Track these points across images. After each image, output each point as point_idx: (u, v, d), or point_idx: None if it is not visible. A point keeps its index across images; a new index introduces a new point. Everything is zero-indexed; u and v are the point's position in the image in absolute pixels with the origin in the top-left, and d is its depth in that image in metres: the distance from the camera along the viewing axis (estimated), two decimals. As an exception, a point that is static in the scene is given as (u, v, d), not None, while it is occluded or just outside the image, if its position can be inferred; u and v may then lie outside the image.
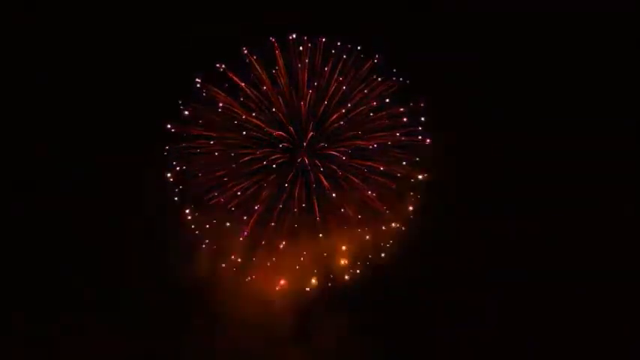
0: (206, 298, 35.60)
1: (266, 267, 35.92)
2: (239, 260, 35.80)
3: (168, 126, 35.97)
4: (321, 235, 35.77)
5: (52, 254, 35.58)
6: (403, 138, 36.85)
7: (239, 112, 36.36)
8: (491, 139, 37.09)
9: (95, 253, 35.82)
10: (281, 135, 36.40)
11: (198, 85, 36.31)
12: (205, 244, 35.90)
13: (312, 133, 36.49)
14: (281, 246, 35.56)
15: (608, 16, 36.61)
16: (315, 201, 36.26)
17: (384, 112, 36.84)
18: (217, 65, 36.24)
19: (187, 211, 35.86)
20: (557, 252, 37.05)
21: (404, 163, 36.80)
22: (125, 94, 36.68)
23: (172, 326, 35.36)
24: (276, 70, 36.37)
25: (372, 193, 36.48)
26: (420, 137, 37.00)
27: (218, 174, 35.93)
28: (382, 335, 35.98)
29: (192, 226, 35.85)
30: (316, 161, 36.53)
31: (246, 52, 36.45)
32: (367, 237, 36.38)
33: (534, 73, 37.75)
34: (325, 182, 36.37)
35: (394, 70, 36.94)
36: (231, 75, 36.29)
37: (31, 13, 36.28)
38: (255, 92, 36.45)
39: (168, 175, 35.85)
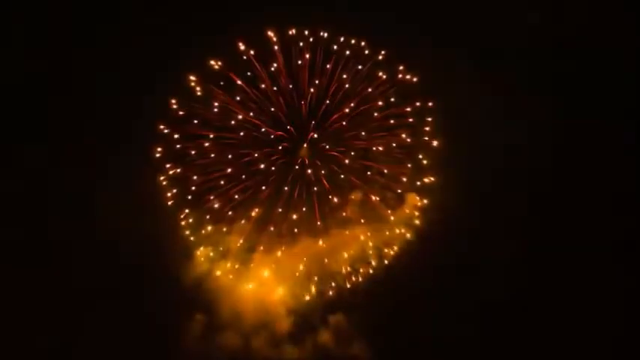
0: (201, 306, 35.16)
1: (265, 272, 35.13)
2: (236, 267, 35.08)
3: (162, 127, 34.56)
4: (321, 241, 34.62)
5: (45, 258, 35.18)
6: (409, 139, 35.17)
7: (237, 111, 34.73)
8: (500, 140, 35.26)
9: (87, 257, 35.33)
10: (280, 135, 34.84)
11: (192, 84, 34.53)
12: (200, 250, 35.08)
13: (313, 133, 34.85)
14: (279, 253, 34.63)
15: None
16: (315, 204, 34.98)
17: (389, 112, 35.10)
18: (212, 62, 34.37)
19: (182, 215, 34.85)
20: (565, 258, 35.77)
21: (409, 165, 35.22)
22: (117, 93, 35.15)
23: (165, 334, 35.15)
24: (275, 67, 34.42)
25: (375, 196, 35.07)
26: (426, 138, 35.28)
27: (214, 175, 34.65)
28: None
29: (187, 232, 34.92)
30: (317, 162, 35.05)
31: (243, 47, 34.42)
32: (370, 243, 35.23)
33: (546, 71, 35.90)
34: (326, 184, 35.00)
35: (400, 68, 34.99)
36: (227, 73, 34.53)
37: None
38: (253, 90, 34.74)
39: (162, 178, 34.65)
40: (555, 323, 35.36)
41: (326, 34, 34.48)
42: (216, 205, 34.38)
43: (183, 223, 34.75)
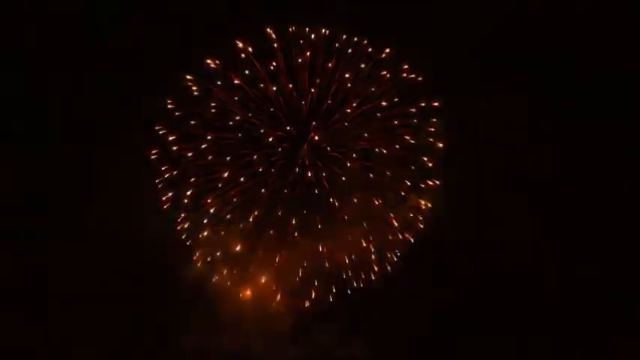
0: (200, 307, 34.92)
1: (263, 278, 34.62)
2: (234, 272, 34.55)
3: (157, 127, 33.58)
4: (321, 246, 33.91)
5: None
6: (412, 141, 33.97)
7: (235, 111, 33.61)
8: (506, 142, 34.64)
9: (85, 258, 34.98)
10: (280, 136, 33.81)
11: (189, 83, 33.40)
12: (196, 256, 34.46)
13: (313, 134, 33.80)
14: (278, 257, 34.01)
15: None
16: (316, 206, 34.18)
17: (392, 112, 33.85)
18: (210, 61, 33.13)
19: (179, 219, 34.14)
20: (567, 260, 35.41)
21: (413, 167, 34.16)
22: (114, 93, 34.29)
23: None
24: (274, 66, 33.14)
25: (377, 199, 34.13)
26: (431, 140, 34.13)
27: (212, 177, 33.74)
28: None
29: (184, 236, 34.27)
30: (318, 164, 34.03)
31: (241, 46, 33.12)
32: (372, 248, 34.49)
33: (553, 70, 34.95)
34: (327, 186, 34.08)
35: (405, 67, 33.70)
36: (226, 72, 33.29)
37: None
38: (252, 90, 33.55)
39: (157, 180, 33.81)
40: (558, 327, 35.15)
41: (327, 32, 33.15)
42: (213, 209, 33.59)
43: (179, 227, 34.11)
